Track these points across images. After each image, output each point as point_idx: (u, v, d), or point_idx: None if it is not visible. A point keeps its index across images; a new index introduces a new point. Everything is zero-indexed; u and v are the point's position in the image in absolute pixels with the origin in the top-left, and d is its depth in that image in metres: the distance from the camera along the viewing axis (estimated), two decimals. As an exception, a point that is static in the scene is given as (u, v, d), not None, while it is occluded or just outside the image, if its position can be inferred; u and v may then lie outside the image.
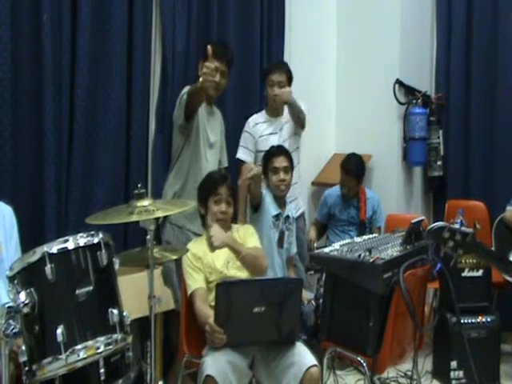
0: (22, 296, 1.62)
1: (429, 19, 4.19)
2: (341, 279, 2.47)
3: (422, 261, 2.44)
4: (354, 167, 3.56)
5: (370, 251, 2.38)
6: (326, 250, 2.59)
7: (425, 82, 4.15)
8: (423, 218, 2.76)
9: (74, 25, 2.63)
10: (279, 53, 3.70)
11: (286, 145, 3.13)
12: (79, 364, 1.65)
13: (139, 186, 2.12)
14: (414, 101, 4.00)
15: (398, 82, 3.95)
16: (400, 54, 3.95)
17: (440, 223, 1.76)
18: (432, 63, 4.22)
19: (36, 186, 2.53)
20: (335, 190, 3.70)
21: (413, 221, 2.58)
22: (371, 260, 2.33)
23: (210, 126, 2.99)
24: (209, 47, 2.76)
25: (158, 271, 2.67)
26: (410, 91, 4.01)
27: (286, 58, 3.72)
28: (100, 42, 2.74)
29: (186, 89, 2.81)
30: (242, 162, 3.24)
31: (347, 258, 2.42)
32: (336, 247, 2.58)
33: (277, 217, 2.93)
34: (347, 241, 2.74)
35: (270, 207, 2.91)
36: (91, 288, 1.71)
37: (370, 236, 2.82)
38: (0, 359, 1.45)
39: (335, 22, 4.20)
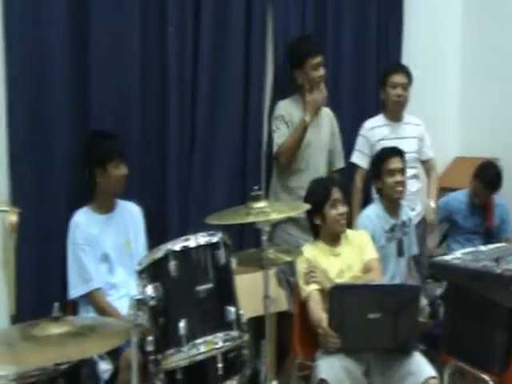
0: (149, 289, 1.71)
1: None
2: (463, 289, 2.34)
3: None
4: (496, 181, 3.30)
5: (496, 261, 2.23)
6: (447, 257, 2.48)
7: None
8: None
9: (196, 36, 2.77)
10: (397, 50, 3.58)
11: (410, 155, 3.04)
12: (199, 357, 1.71)
13: (256, 188, 2.17)
14: (549, 98, 3.66)
15: (530, 78, 3.64)
16: (532, 49, 3.66)
17: None
18: None
19: (161, 189, 2.70)
20: (459, 196, 3.49)
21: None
22: (498, 271, 2.18)
23: (312, 128, 2.95)
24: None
25: (272, 272, 2.71)
26: (543, 88, 3.68)
27: (404, 57, 3.60)
28: (219, 50, 2.85)
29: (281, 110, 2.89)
30: (356, 166, 3.19)
31: (471, 267, 2.31)
32: (458, 255, 2.47)
33: (392, 229, 2.82)
34: (471, 249, 2.59)
35: (382, 223, 2.78)
36: (211, 285, 1.77)
37: (497, 245, 2.64)
38: (130, 347, 1.57)
39: (460, 18, 3.97)
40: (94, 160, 2.36)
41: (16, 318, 2.14)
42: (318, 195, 2.50)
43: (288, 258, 2.37)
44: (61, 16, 2.37)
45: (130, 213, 2.47)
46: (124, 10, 2.54)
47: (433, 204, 3.30)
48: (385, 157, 2.81)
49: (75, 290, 2.32)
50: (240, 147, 2.95)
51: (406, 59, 3.57)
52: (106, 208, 2.42)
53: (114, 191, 2.40)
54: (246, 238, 2.89)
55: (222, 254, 1.83)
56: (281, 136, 2.89)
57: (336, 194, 2.48)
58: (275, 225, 2.87)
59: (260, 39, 2.99)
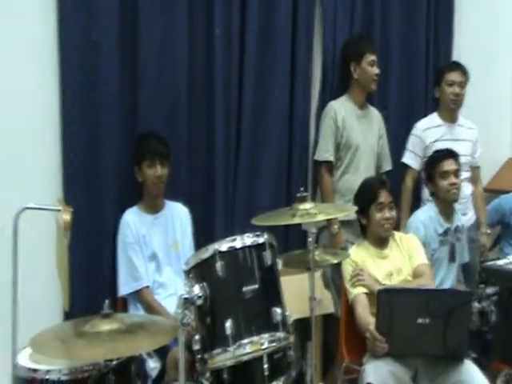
0: (196, 289, 1.73)
1: None
2: (518, 295, 2.25)
3: None
4: None
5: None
6: (500, 262, 2.40)
7: None
8: None
9: (242, 38, 2.77)
10: (447, 50, 3.49)
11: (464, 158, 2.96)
12: (245, 358, 1.72)
13: (302, 189, 2.16)
14: None
15: None
16: None
17: None
18: None
19: (207, 189, 2.72)
20: (512, 198, 3.36)
21: None
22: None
23: (362, 130, 2.93)
24: None
25: (318, 274, 2.69)
26: None
27: (455, 57, 3.49)
28: (265, 51, 2.85)
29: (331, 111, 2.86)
30: (407, 167, 3.12)
31: (526, 272, 2.20)
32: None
33: (445, 232, 2.74)
34: (525, 253, 2.49)
35: (436, 226, 2.71)
36: (257, 286, 1.78)
37: (554, 250, 2.52)
38: (178, 345, 1.59)
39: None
40: (133, 159, 2.42)
41: (68, 315, 2.20)
42: (365, 196, 2.50)
43: (334, 260, 2.34)
44: (111, 18, 2.41)
45: (178, 213, 2.51)
46: (172, 13, 2.57)
47: (489, 231, 3.25)
48: (438, 159, 2.75)
49: (125, 288, 2.37)
50: (286, 148, 2.94)
51: (457, 59, 3.46)
52: (154, 208, 2.47)
53: (152, 191, 2.42)
54: (292, 240, 2.88)
55: (267, 255, 1.83)
56: (324, 142, 2.88)
57: (383, 197, 2.44)
58: (324, 227, 2.84)
59: (306, 40, 2.97)
